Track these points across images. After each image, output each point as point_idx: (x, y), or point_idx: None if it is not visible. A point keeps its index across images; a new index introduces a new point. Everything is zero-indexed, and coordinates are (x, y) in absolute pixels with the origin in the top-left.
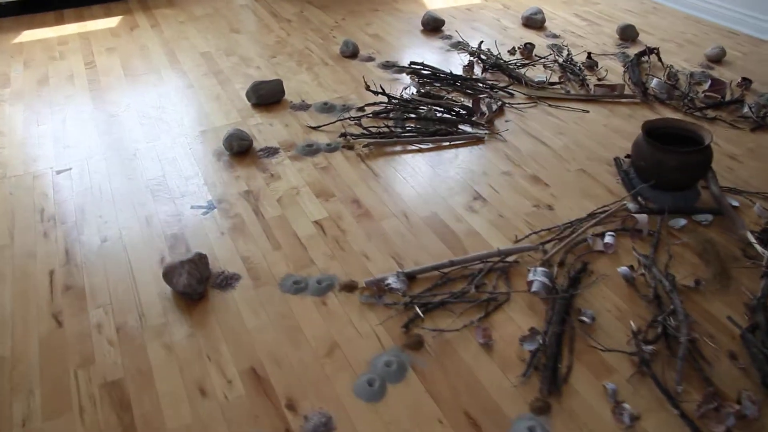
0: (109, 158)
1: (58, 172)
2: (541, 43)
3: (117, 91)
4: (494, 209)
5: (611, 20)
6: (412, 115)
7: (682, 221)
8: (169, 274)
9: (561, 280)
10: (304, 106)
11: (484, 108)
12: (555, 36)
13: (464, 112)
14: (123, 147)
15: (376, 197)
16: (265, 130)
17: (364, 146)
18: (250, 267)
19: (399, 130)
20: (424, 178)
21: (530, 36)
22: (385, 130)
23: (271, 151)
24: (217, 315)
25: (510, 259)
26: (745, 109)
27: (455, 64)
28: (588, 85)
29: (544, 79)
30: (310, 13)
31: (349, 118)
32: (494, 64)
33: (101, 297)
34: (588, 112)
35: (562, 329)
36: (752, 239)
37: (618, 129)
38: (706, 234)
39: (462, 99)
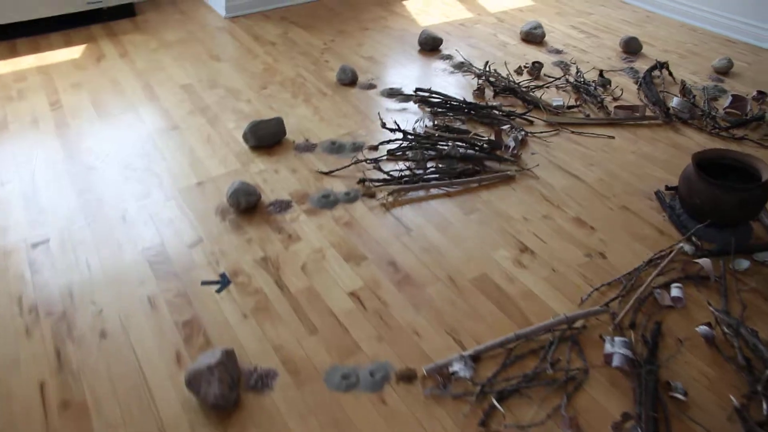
0: (93, 223)
1: (34, 246)
2: (545, 60)
3: (91, 136)
4: (545, 262)
5: (609, 31)
6: (432, 152)
7: (746, 262)
8: (194, 381)
9: (638, 347)
10: (309, 147)
11: (510, 141)
12: (558, 51)
13: (488, 146)
14: (108, 208)
15: (413, 257)
16: (271, 178)
17: (389, 194)
18: (286, 359)
19: (421, 171)
20: (461, 229)
21: (532, 52)
22: (407, 172)
23: (283, 206)
24: (259, 427)
25: (577, 324)
26: None
27: (462, 87)
28: (606, 107)
29: (563, 103)
30: (296, 35)
31: (365, 161)
32: (506, 88)
33: (110, 414)
34: (613, 137)
35: (656, 411)
36: None
37: (648, 156)
38: None
39: (479, 129)
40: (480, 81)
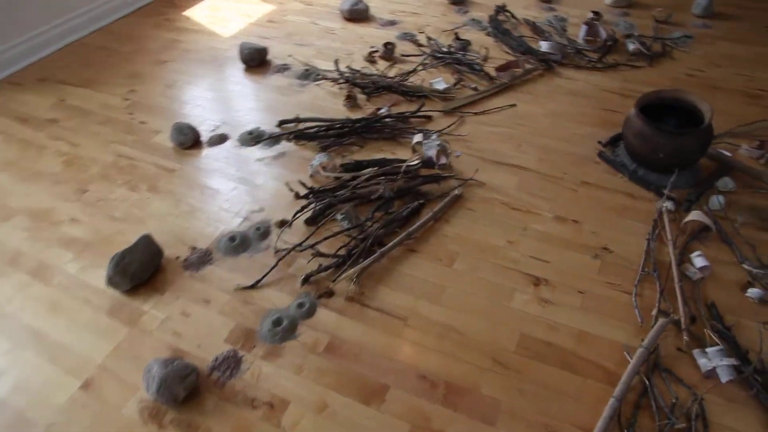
0: None
1: None
2: (384, 36)
3: None
4: (566, 287)
5: None
6: (355, 199)
7: (720, 198)
8: None
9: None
10: (203, 257)
11: (429, 152)
12: (392, 23)
13: (417, 164)
14: None
15: (435, 354)
16: (185, 329)
17: (352, 282)
18: None
19: (365, 234)
20: (457, 290)
21: (367, 31)
22: (352, 244)
23: (230, 364)
24: None
25: (645, 343)
26: (632, 47)
27: (326, 99)
28: (488, 74)
29: (448, 85)
30: (78, 99)
31: (293, 250)
32: (378, 86)
33: None
34: (515, 104)
35: None
36: None
37: (559, 114)
38: (748, 202)
39: (390, 149)
40: (342, 86)
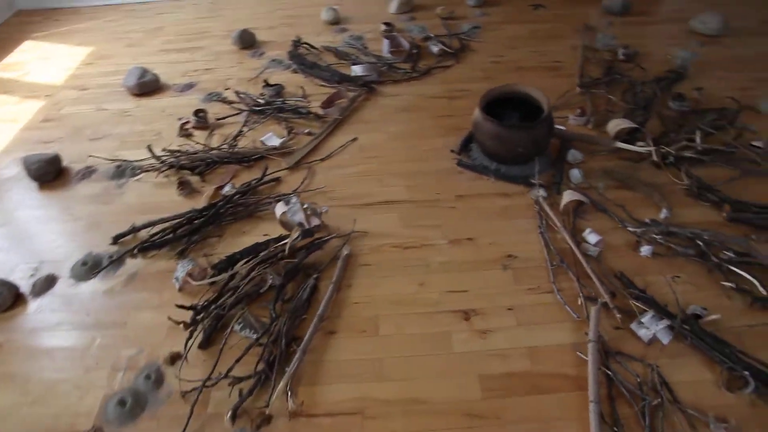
0: None
1: None
2: (189, 104)
3: None
4: (494, 309)
5: (200, 36)
6: (243, 300)
7: (577, 171)
8: None
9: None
10: None
11: (299, 219)
12: (189, 86)
13: (298, 237)
14: None
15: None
16: None
17: (289, 396)
18: None
19: (274, 336)
20: (397, 357)
21: (163, 103)
22: (266, 354)
23: None
24: None
25: (591, 336)
26: (436, 49)
27: (156, 194)
28: (316, 113)
29: (283, 139)
30: None
31: (204, 387)
32: (209, 162)
33: None
34: (356, 138)
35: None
36: (623, 145)
37: (403, 134)
38: (599, 166)
39: (261, 231)
40: (168, 174)
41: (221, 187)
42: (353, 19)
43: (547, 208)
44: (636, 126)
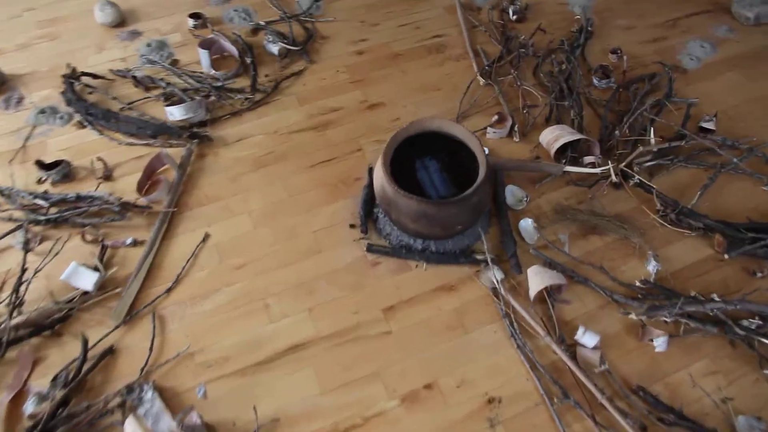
0: None
1: None
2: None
3: None
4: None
5: None
6: None
7: (528, 222)
8: None
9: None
10: None
11: (166, 426)
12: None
13: None
14: None
15: None
16: None
17: None
18: None
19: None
20: None
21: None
22: None
23: None
24: None
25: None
26: (275, 48)
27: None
28: (134, 204)
29: (98, 274)
30: None
31: None
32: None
33: None
34: (207, 236)
35: None
36: (575, 169)
37: (273, 213)
38: (546, 204)
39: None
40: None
41: (20, 398)
42: (143, 14)
43: (513, 301)
44: (580, 137)
